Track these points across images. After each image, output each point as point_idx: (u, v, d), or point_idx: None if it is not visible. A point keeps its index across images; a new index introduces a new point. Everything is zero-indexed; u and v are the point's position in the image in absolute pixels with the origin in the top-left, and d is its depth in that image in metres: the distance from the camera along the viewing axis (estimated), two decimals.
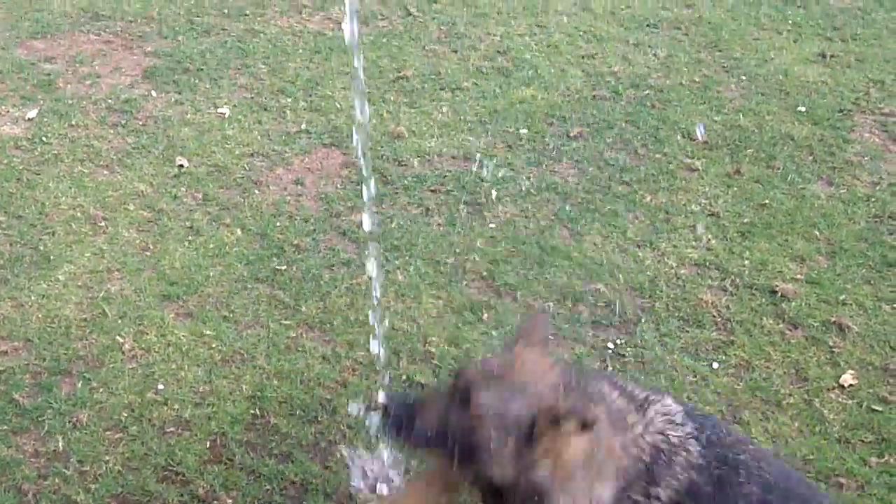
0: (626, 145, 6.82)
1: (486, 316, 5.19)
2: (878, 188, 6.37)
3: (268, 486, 4.19)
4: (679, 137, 6.91)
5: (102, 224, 5.90)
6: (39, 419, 4.52)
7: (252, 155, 6.64)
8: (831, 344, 5.02)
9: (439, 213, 6.05)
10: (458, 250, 5.70)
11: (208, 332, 5.04)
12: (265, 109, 7.17)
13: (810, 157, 6.71)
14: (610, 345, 5.01)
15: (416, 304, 5.26)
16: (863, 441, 4.46)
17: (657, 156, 6.70)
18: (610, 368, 4.86)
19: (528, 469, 2.76)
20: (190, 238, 5.79)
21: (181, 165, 6.48)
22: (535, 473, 2.77)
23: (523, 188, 6.33)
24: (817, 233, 5.90)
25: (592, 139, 6.90)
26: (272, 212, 6.04)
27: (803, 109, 7.26)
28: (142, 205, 6.09)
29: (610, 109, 7.25)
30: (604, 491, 2.87)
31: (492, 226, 5.95)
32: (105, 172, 6.43)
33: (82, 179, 6.33)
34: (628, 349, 4.98)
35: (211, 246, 5.71)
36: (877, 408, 4.63)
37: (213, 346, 4.96)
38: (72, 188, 6.24)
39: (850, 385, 4.77)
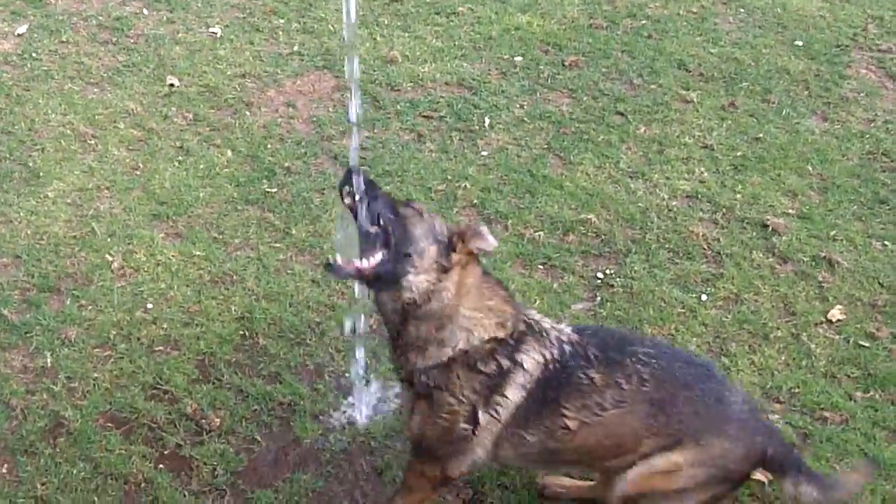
0: (622, 75, 6.77)
1: None
2: (872, 125, 6.34)
3: (255, 407, 4.21)
4: (675, 69, 6.85)
5: (92, 142, 5.85)
6: (28, 335, 4.52)
7: (244, 76, 6.56)
8: (820, 279, 5.03)
9: (431, 140, 6.01)
10: (449, 177, 5.68)
11: (198, 253, 5.02)
12: (257, 30, 7.07)
13: (806, 92, 6.67)
14: (599, 275, 5.01)
15: None
16: (849, 376, 4.49)
17: (652, 87, 6.65)
18: (599, 299, 4.87)
19: (441, 278, 3.19)
20: (180, 158, 5.74)
21: (172, 85, 6.40)
22: (443, 284, 3.20)
23: (516, 116, 6.28)
24: (810, 168, 5.89)
25: (588, 68, 6.83)
26: (263, 134, 5.99)
27: (800, 44, 7.20)
28: (132, 123, 6.03)
29: (606, 39, 7.18)
30: (483, 332, 3.27)
31: (484, 153, 5.91)
32: (95, 90, 6.36)
33: (72, 97, 6.26)
34: (617, 280, 4.98)
35: (201, 167, 5.67)
36: (864, 343, 4.66)
37: (203, 266, 4.95)
38: (61, 105, 6.17)
39: (838, 320, 4.79)
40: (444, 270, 3.19)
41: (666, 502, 3.42)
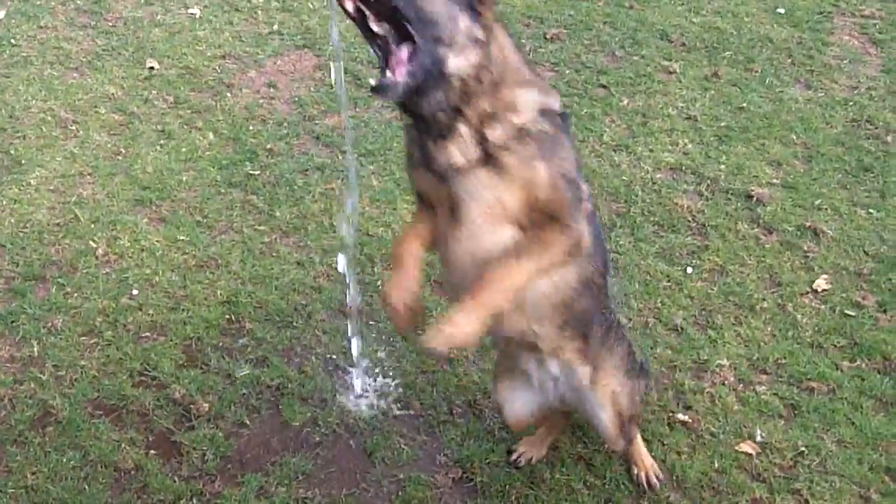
0: (604, 47, 6.75)
1: None
2: (856, 92, 6.34)
3: (244, 391, 4.21)
4: (657, 39, 6.83)
5: (73, 128, 5.81)
6: (14, 324, 4.50)
7: (224, 57, 6.53)
8: (805, 249, 5.04)
9: None
10: None
11: (182, 238, 5.00)
12: (236, 10, 7.03)
13: (789, 60, 6.65)
14: None
15: (391, 209, 5.24)
16: (835, 345, 4.51)
17: (635, 58, 6.63)
18: None
19: (482, 46, 2.77)
20: (162, 142, 5.71)
21: (152, 68, 6.37)
22: (489, 49, 2.79)
23: None
24: (794, 137, 5.88)
25: (569, 41, 6.81)
26: (245, 115, 5.97)
27: (782, 11, 7.18)
28: (112, 108, 5.99)
29: (587, 10, 7.15)
30: (529, 95, 2.89)
31: None
32: (75, 75, 6.32)
33: (52, 82, 6.22)
34: None
35: (183, 150, 5.65)
36: (850, 312, 4.67)
37: (187, 251, 4.93)
38: (42, 91, 6.13)
39: (824, 290, 4.80)
40: (481, 39, 2.77)
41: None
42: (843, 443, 4.02)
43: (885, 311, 4.69)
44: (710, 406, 4.17)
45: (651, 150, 5.74)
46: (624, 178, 5.51)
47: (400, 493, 3.82)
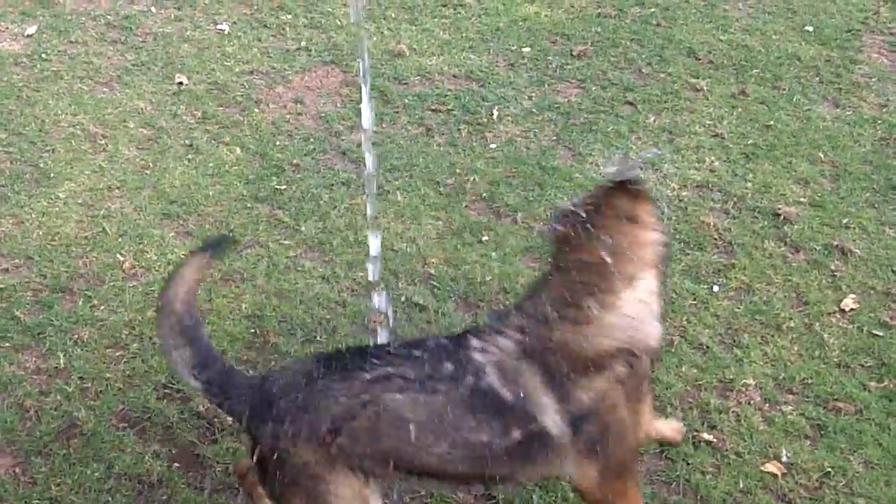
0: (631, 64, 6.74)
1: (485, 237, 5.17)
2: (884, 110, 6.29)
3: None
4: (684, 57, 6.81)
5: (102, 142, 5.86)
6: (41, 336, 4.54)
7: (251, 73, 6.57)
8: (833, 268, 5.00)
9: (440, 133, 6.00)
10: (458, 171, 5.67)
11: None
12: (265, 26, 7.08)
13: (817, 78, 6.62)
14: None
15: (416, 225, 5.24)
16: (862, 366, 4.46)
17: (662, 75, 6.62)
18: None
19: None
20: (189, 157, 5.75)
21: (180, 83, 6.42)
22: None
23: (525, 108, 6.27)
24: (822, 155, 5.85)
25: (596, 58, 6.80)
26: (272, 130, 6.00)
27: (811, 29, 7.15)
28: (141, 122, 6.04)
29: (614, 27, 7.15)
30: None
31: (493, 146, 5.90)
32: (104, 90, 6.38)
33: (82, 97, 6.28)
34: None
35: (210, 165, 5.68)
36: (877, 332, 4.63)
37: (213, 264, 4.95)
38: (71, 105, 6.19)
39: (851, 309, 4.76)
40: None
41: None
42: (869, 464, 3.98)
43: None
44: (736, 426, 4.14)
45: (678, 168, 5.72)
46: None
47: None
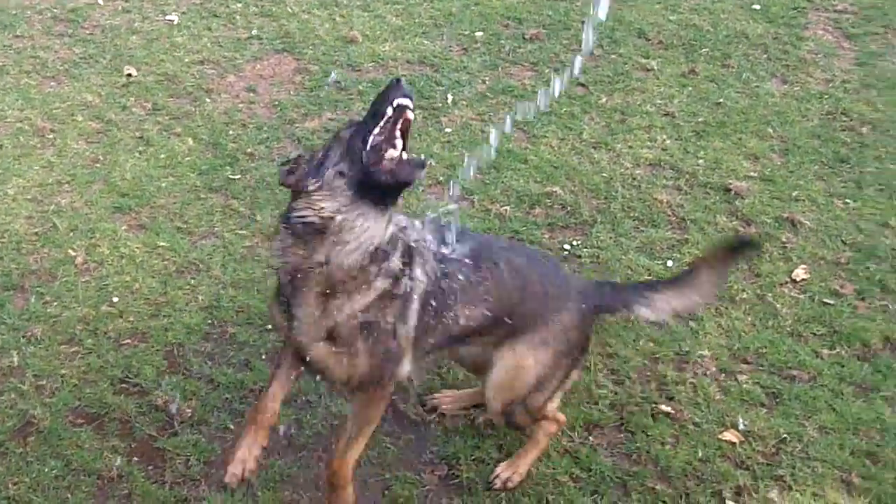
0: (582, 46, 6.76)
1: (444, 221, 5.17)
2: (831, 85, 6.37)
3: (227, 395, 4.20)
4: (635, 38, 6.85)
5: (51, 136, 5.79)
6: None
7: (202, 63, 6.52)
8: (784, 239, 5.06)
9: None
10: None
11: (162, 244, 4.99)
12: (215, 15, 7.03)
13: (764, 56, 6.69)
14: (567, 246, 5.02)
15: None
16: (815, 334, 4.53)
17: (613, 56, 6.65)
18: (566, 270, 4.87)
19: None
20: (140, 149, 5.70)
21: (129, 75, 6.35)
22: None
23: (479, 92, 6.27)
24: (771, 130, 5.91)
25: (549, 41, 6.83)
26: (224, 120, 5.96)
27: (758, 7, 7.22)
28: (90, 116, 5.98)
29: (566, 10, 7.17)
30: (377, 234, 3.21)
31: (448, 130, 5.90)
32: (52, 84, 6.30)
33: (29, 91, 6.20)
34: (584, 250, 4.99)
35: (162, 156, 5.64)
36: (828, 301, 4.69)
37: (168, 257, 4.92)
38: (18, 101, 6.11)
39: (803, 279, 4.82)
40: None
41: (532, 400, 3.64)
42: (824, 429, 4.04)
43: (863, 299, 4.72)
44: (693, 396, 4.18)
45: (630, 147, 5.75)
46: (604, 174, 5.52)
47: (386, 493, 3.81)
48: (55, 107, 6.04)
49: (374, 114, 3.21)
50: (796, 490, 3.80)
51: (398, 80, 3.21)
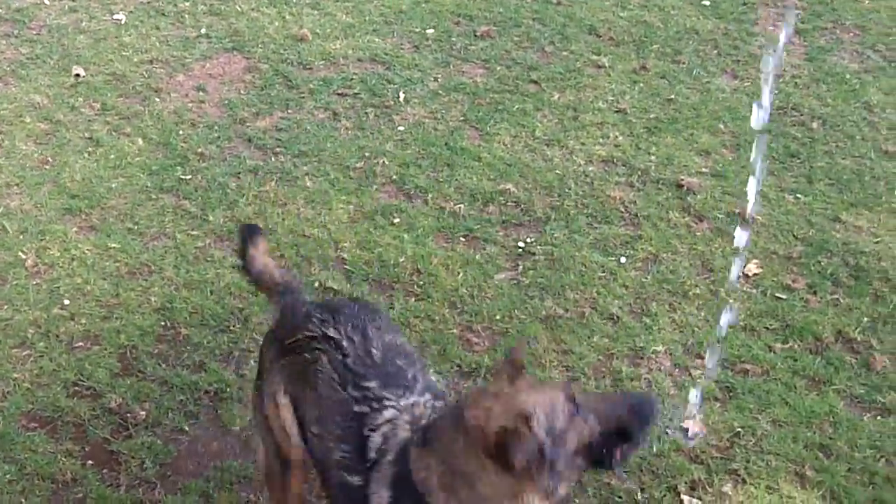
0: (534, 43, 6.78)
1: (397, 219, 5.17)
2: (781, 80, 6.44)
3: (181, 397, 4.17)
4: (586, 34, 6.88)
5: None
6: None
7: (151, 62, 6.45)
8: (736, 235, 5.11)
9: (347, 117, 5.98)
10: (367, 154, 5.65)
11: (113, 245, 4.94)
12: (162, 14, 6.95)
13: (715, 51, 6.75)
14: (520, 244, 5.04)
15: (327, 209, 5.22)
16: (767, 328, 4.58)
17: (564, 53, 6.68)
18: (520, 268, 4.89)
19: None
20: (90, 149, 5.63)
21: (78, 75, 6.27)
22: None
23: (431, 89, 6.27)
24: (722, 126, 5.97)
25: (500, 38, 6.84)
26: (174, 120, 5.91)
27: (707, 3, 7.28)
28: (38, 117, 5.89)
29: (516, 7, 7.18)
30: None
31: (401, 128, 5.89)
32: None
33: None
34: (538, 247, 5.01)
35: (112, 157, 5.57)
36: (780, 295, 4.75)
37: (119, 258, 4.87)
38: None
39: (755, 274, 4.88)
40: None
41: None
42: (777, 422, 4.09)
43: (815, 293, 4.78)
44: (648, 391, 4.21)
45: (583, 144, 5.78)
46: (557, 171, 5.55)
47: None
48: (2, 108, 5.95)
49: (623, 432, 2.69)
50: (750, 483, 3.85)
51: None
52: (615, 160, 5.65)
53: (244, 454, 3.94)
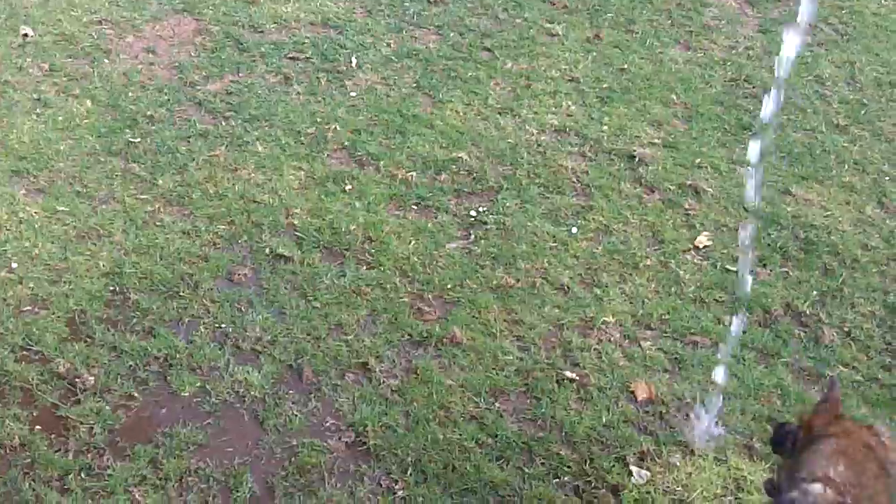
0: (487, 10, 6.76)
1: (349, 186, 5.15)
2: (734, 52, 6.49)
3: (130, 363, 4.13)
4: (539, 2, 6.88)
5: None
6: None
7: (100, 22, 6.34)
8: (687, 206, 5.16)
9: (298, 82, 5.93)
10: (318, 120, 5.62)
11: (62, 208, 4.87)
12: None
13: (669, 22, 6.78)
14: (472, 213, 5.04)
15: (278, 175, 5.18)
16: (717, 300, 4.64)
17: (518, 21, 6.67)
18: (472, 237, 4.90)
19: None
20: (38, 111, 5.54)
21: (26, 35, 6.15)
22: None
23: (384, 55, 6.24)
24: (675, 97, 6.01)
25: (453, 4, 6.81)
26: (123, 82, 5.82)
27: None
28: None
29: None
30: None
31: (353, 94, 5.86)
32: None
33: None
34: (490, 217, 5.02)
35: (60, 119, 5.49)
36: (730, 268, 4.80)
37: (68, 222, 4.81)
38: None
39: (705, 246, 4.93)
40: None
41: None
42: (726, 395, 4.14)
43: (764, 266, 4.84)
44: (598, 362, 4.26)
45: (535, 113, 5.79)
46: (509, 140, 5.55)
47: (293, 459, 3.80)
48: None
49: None
50: (699, 455, 3.90)
51: None
52: (568, 130, 5.67)
53: (193, 420, 3.93)
